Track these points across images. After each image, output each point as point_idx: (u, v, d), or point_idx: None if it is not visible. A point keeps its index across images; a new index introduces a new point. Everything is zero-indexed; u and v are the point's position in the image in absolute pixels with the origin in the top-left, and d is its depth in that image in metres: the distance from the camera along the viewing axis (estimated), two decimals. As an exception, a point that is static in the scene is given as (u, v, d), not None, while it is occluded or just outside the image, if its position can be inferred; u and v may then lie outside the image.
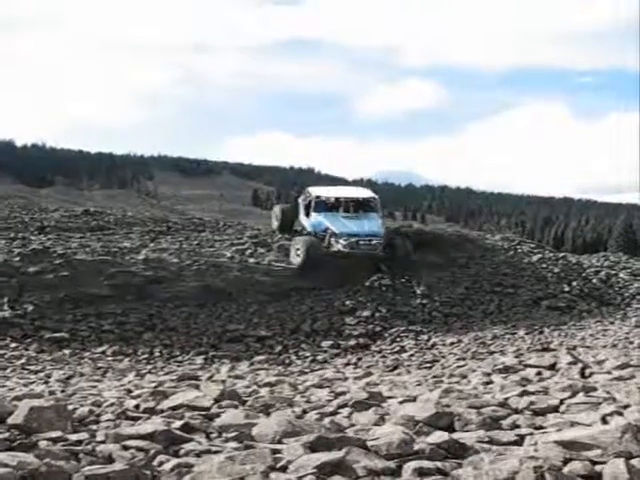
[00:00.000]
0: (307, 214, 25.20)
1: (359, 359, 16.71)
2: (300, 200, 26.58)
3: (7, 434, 5.41)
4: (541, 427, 5.98)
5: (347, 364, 16.08)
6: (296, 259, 22.68)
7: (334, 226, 22.99)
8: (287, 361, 16.96)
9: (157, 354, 17.36)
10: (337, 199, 24.85)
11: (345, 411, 7.02)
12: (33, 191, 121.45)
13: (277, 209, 27.96)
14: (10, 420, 5.65)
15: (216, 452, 5.20)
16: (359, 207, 24.77)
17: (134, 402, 7.51)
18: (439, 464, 4.74)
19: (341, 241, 22.41)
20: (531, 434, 5.65)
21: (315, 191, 25.56)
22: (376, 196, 26.06)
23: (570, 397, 7.13)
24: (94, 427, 6.07)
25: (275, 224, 27.39)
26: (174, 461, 4.87)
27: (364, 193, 26.68)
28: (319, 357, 17.42)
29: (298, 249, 22.76)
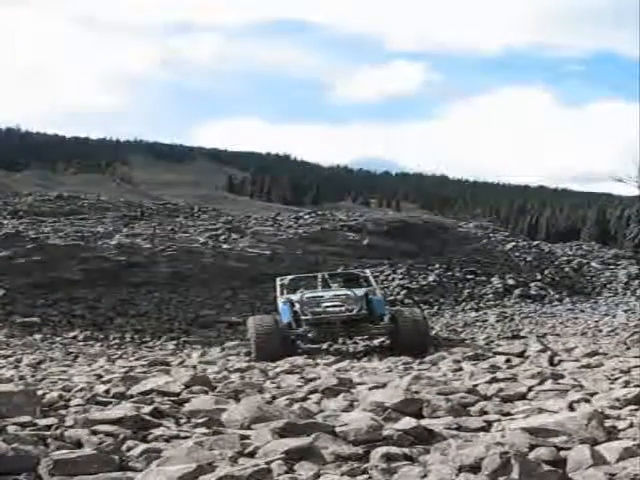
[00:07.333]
0: None
1: (330, 345, 16.71)
2: None
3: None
4: (509, 414, 6.03)
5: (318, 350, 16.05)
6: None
7: (296, 295, 15.52)
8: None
9: (128, 339, 17.32)
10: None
11: (315, 397, 7.05)
12: (7, 175, 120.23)
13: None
14: (-22, 405, 5.62)
15: (185, 437, 5.22)
16: (343, 282, 17.17)
17: (104, 387, 7.50)
18: (407, 450, 4.77)
19: (297, 304, 15.01)
20: (499, 420, 5.71)
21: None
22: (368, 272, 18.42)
23: (538, 384, 7.20)
24: (63, 412, 6.05)
25: None
26: (143, 446, 4.87)
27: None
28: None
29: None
